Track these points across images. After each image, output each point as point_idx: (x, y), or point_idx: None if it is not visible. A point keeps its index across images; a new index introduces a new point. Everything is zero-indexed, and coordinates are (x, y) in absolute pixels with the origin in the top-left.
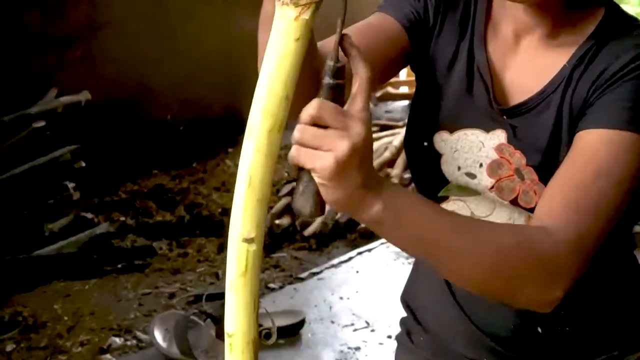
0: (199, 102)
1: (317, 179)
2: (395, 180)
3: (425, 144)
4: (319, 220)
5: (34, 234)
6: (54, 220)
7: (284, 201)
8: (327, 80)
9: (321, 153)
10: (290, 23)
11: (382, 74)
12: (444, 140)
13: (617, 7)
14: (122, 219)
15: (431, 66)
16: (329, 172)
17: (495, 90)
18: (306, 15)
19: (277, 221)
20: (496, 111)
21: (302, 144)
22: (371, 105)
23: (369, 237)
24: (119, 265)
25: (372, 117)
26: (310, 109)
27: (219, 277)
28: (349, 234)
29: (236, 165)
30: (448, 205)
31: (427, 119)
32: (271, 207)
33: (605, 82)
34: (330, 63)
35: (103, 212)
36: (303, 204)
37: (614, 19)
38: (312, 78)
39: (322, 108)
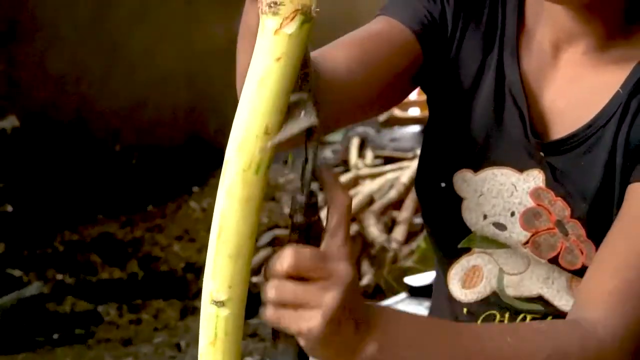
0: (155, 129)
1: (301, 342)
2: (403, 226)
3: (443, 185)
4: None
5: None
6: None
7: (263, 253)
8: (298, 219)
9: (305, 313)
10: (269, 38)
11: (388, 96)
12: (466, 181)
13: None
14: (59, 277)
15: (449, 86)
16: (317, 333)
17: (532, 117)
18: (289, 29)
19: (254, 278)
20: (533, 145)
21: (281, 304)
22: (373, 132)
23: (369, 296)
24: (55, 336)
25: (375, 145)
26: (285, 261)
27: (181, 349)
28: None
29: (202, 209)
30: (470, 259)
31: (444, 154)
32: None
33: None
34: (301, 199)
35: (34, 268)
36: None
37: None
38: None
39: (299, 258)
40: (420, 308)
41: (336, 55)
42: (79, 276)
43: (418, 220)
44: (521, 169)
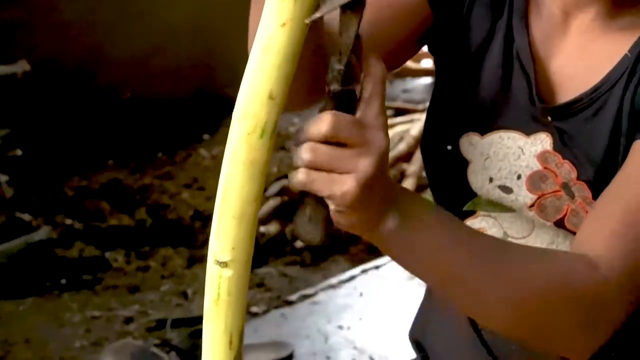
0: (166, 76)
1: (332, 205)
2: (412, 179)
3: (449, 147)
4: None
5: None
6: None
7: (271, 203)
8: (335, 87)
9: (339, 177)
10: (275, 2)
11: (397, 56)
12: (472, 144)
13: None
14: (68, 222)
15: (457, 49)
16: (350, 197)
17: (539, 82)
18: None
19: (262, 228)
20: (539, 110)
21: (314, 167)
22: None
23: (376, 250)
24: (63, 281)
25: (386, 96)
26: (323, 126)
27: (187, 297)
28: (352, 247)
29: (213, 157)
30: (475, 222)
31: (451, 117)
32: None
33: None
34: (338, 67)
35: (43, 213)
36: (311, 231)
37: None
38: (316, 55)
39: (337, 123)
40: None
41: None
42: (87, 222)
43: None
44: (528, 132)
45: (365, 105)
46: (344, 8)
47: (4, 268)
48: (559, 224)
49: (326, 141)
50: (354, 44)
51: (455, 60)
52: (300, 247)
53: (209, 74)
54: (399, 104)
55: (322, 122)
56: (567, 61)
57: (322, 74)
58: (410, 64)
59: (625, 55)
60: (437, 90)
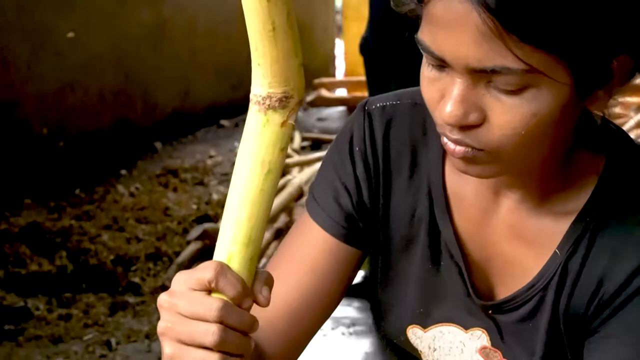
0: (84, 112)
1: None
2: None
3: (402, 338)
4: None
5: None
6: None
7: (192, 247)
8: None
9: None
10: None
11: (333, 305)
12: (418, 338)
13: (626, 155)
14: None
15: (385, 250)
16: None
17: (472, 273)
18: (292, 119)
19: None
20: (476, 304)
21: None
22: (300, 114)
23: None
24: None
25: (303, 127)
26: None
27: (111, 347)
28: None
29: (131, 194)
30: None
31: (393, 312)
32: (177, 254)
33: (608, 300)
34: None
35: None
36: None
37: (618, 180)
38: None
39: None
40: (348, 309)
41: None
42: (7, 268)
43: None
44: (466, 327)
45: None
46: None
47: None
48: None
49: None
50: None
51: (383, 257)
52: None
53: (128, 109)
54: (315, 134)
55: None
56: (497, 249)
57: None
58: (325, 93)
59: (555, 252)
60: (374, 284)
